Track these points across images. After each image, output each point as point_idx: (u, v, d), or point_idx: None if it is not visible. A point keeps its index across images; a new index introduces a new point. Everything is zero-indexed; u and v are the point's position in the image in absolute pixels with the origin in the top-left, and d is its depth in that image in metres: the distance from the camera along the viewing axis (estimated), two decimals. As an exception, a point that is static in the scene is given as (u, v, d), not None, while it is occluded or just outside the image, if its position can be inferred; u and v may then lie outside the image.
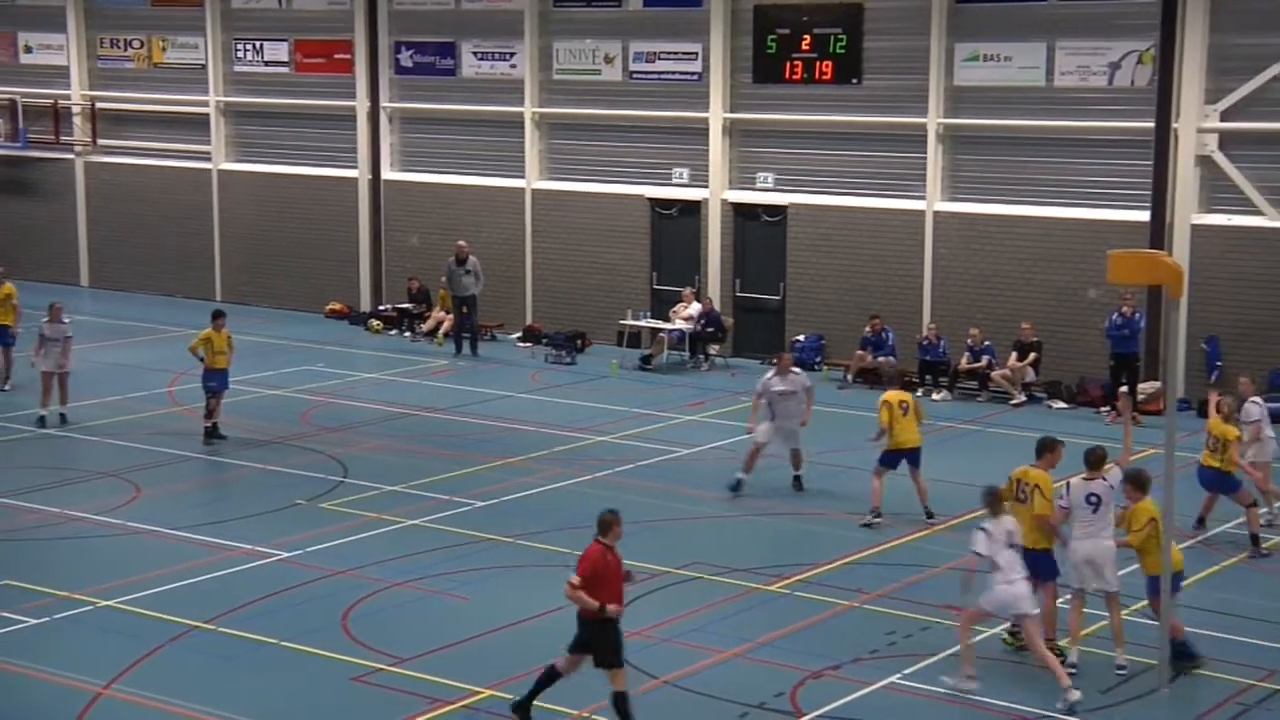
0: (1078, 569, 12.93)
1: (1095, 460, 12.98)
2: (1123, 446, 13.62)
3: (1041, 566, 13.04)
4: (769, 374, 18.40)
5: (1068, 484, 12.92)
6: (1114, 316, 22.62)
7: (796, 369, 18.64)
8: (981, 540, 12.47)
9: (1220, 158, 23.01)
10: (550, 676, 11.78)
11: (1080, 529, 12.89)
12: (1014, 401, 23.46)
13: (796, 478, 18.46)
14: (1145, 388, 23.00)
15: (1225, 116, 22.98)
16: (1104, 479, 12.93)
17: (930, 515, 17.05)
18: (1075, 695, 12.17)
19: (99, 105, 33.54)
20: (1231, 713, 12.23)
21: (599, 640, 11.54)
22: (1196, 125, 22.98)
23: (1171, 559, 12.83)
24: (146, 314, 30.64)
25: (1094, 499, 12.84)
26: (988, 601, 12.54)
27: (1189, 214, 23.13)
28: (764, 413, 18.34)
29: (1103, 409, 22.49)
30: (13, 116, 33.36)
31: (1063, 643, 13.01)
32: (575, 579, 11.44)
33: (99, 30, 33.51)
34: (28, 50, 34.37)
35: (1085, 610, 13.11)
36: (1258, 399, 17.36)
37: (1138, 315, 22.58)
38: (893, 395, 17.24)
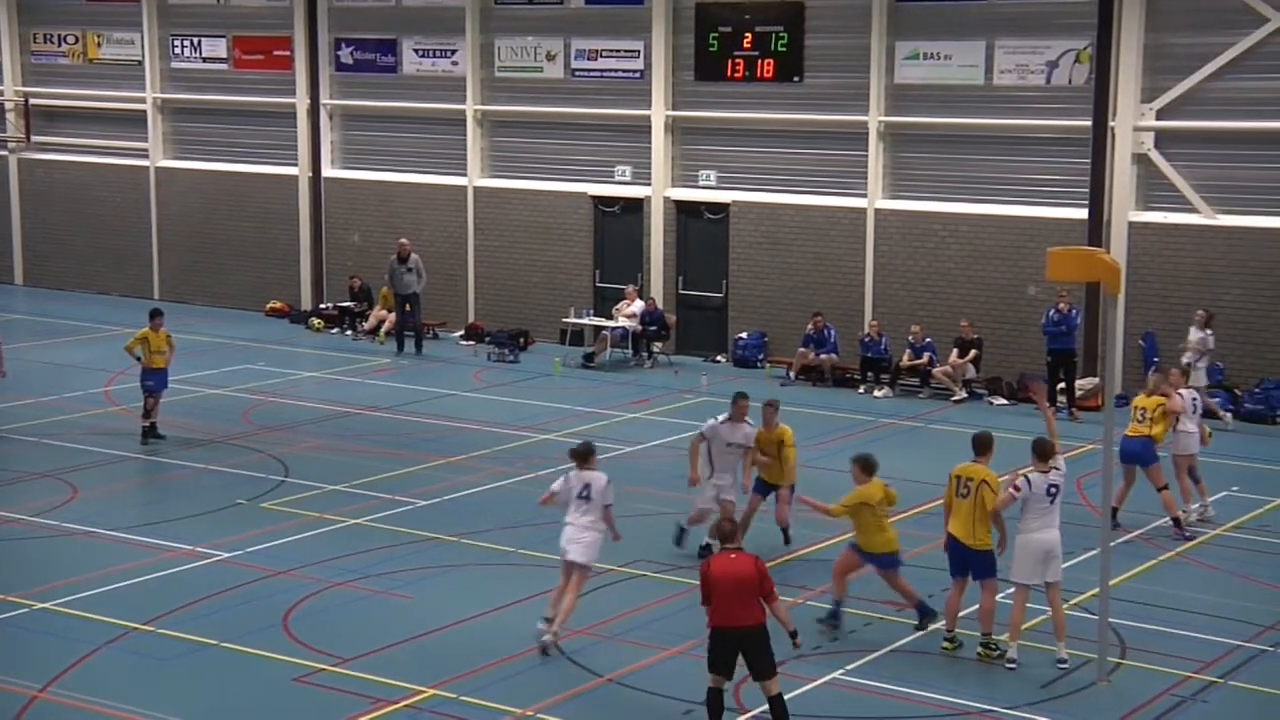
0: (1031, 562, 12.90)
1: (1047, 452, 13.03)
2: (1048, 434, 13.67)
3: (984, 565, 13.11)
4: (720, 419, 15.40)
5: (1027, 478, 12.94)
6: (1050, 313, 22.86)
7: (750, 421, 15.38)
8: (560, 480, 13.41)
9: (1156, 156, 23.28)
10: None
11: (1036, 520, 12.89)
12: (955, 398, 23.63)
13: (684, 530, 15.85)
14: (1083, 383, 23.24)
15: (1161, 115, 23.25)
16: (1058, 469, 13.03)
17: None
18: (547, 637, 12.91)
19: (33, 101, 33.10)
20: (1168, 704, 12.37)
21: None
22: (1133, 124, 23.24)
23: (888, 537, 13.51)
24: (83, 313, 30.30)
25: (1054, 490, 12.92)
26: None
27: (1126, 211, 23.40)
28: (703, 464, 15.46)
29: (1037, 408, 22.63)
30: (-56, 113, 32.96)
31: (1002, 637, 13.10)
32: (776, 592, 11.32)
33: (32, 25, 33.09)
34: (-40, 45, 33.90)
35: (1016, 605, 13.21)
36: (1185, 391, 17.54)
37: (1074, 311, 22.83)
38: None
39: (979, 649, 13.13)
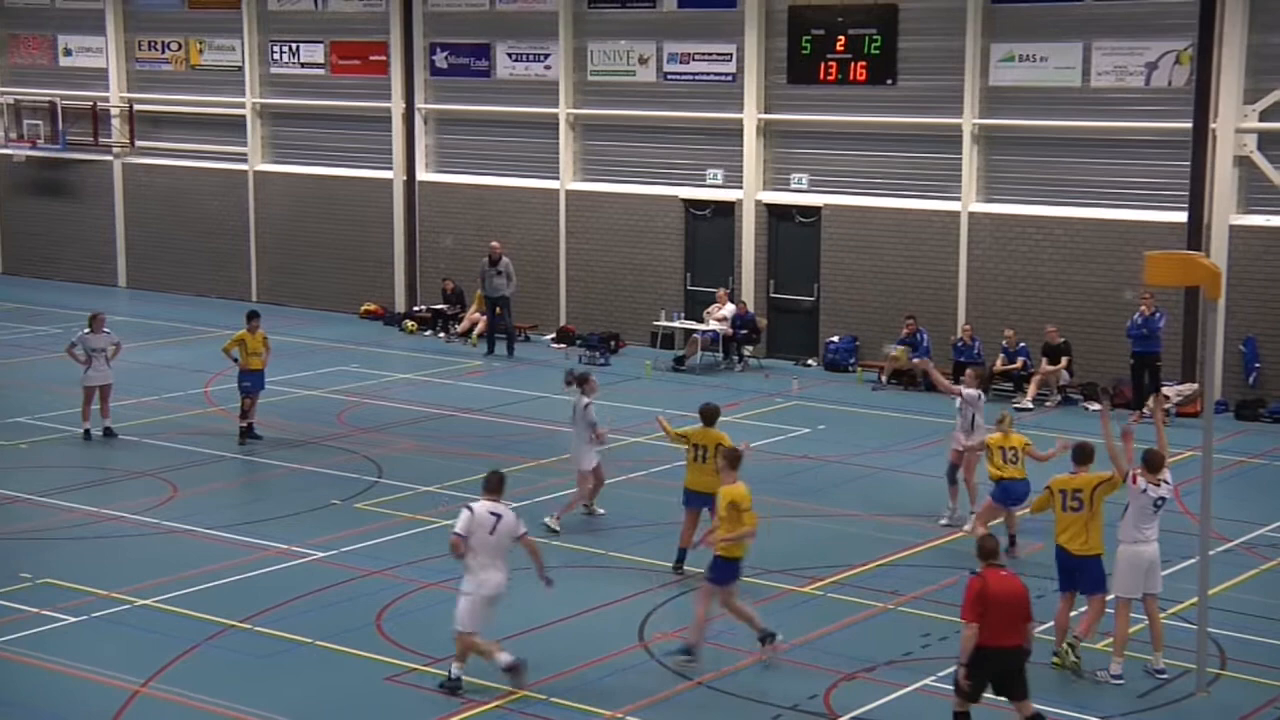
0: (1135, 575, 12.64)
1: (1158, 463, 12.77)
2: (1157, 446, 13.44)
3: (1094, 574, 12.78)
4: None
5: (1143, 485, 12.64)
6: (1135, 316, 22.56)
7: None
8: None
9: (1259, 158, 22.84)
10: None
11: (1142, 533, 12.65)
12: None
13: None
14: (1182, 389, 22.86)
15: (1264, 116, 22.81)
16: (1166, 482, 12.81)
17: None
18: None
19: (137, 107, 33.77)
20: (1269, 717, 12.14)
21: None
22: (1235, 125, 22.82)
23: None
24: (183, 314, 30.83)
25: (1161, 501, 12.72)
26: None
27: (1227, 215, 22.98)
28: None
29: (1131, 413, 22.24)
30: (52, 118, 33.68)
31: (1099, 644, 12.89)
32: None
33: (137, 33, 33.76)
34: (67, 53, 34.66)
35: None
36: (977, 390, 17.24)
37: (1158, 315, 22.48)
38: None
39: (1065, 647, 12.78)
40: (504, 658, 12.24)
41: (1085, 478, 12.88)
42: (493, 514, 12.20)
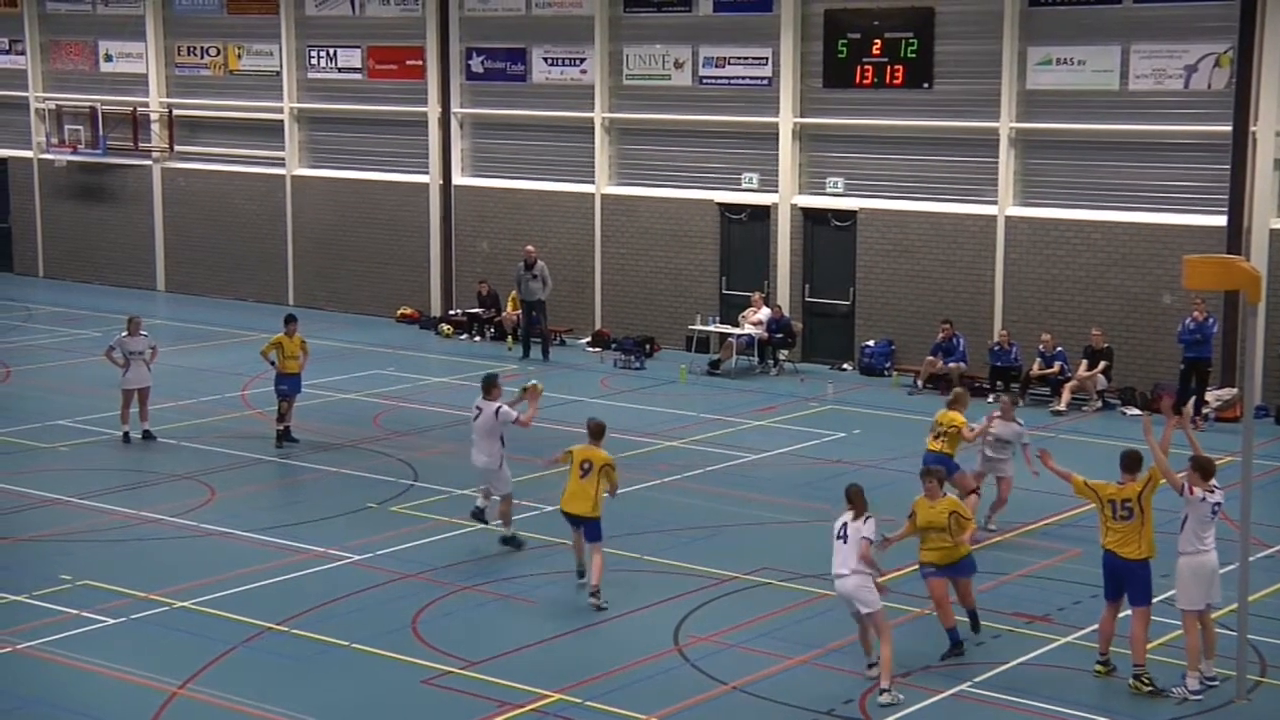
0: (1199, 586, 12.48)
1: (1211, 469, 12.63)
2: (1193, 452, 13.33)
3: (1141, 582, 12.56)
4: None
5: (1200, 494, 12.48)
6: (1186, 321, 22.40)
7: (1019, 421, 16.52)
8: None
9: (1300, 161, 22.68)
10: None
11: (1203, 542, 12.53)
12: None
13: None
14: (1222, 394, 22.70)
15: (1305, 119, 22.64)
16: (1219, 487, 12.69)
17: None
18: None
19: (176, 112, 34.02)
20: (1310, 725, 12.05)
21: None
22: (1275, 128, 22.64)
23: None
24: (221, 318, 31.02)
25: (1218, 508, 12.61)
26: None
27: (1267, 218, 22.81)
28: None
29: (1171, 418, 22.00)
30: (93, 124, 33.99)
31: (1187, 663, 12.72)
32: None
33: (176, 38, 34.00)
34: (108, 59, 34.95)
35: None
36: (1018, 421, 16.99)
37: (1210, 320, 22.31)
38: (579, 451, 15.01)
39: (1132, 681, 12.61)
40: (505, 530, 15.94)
41: (1134, 486, 12.70)
42: (478, 407, 16.18)
